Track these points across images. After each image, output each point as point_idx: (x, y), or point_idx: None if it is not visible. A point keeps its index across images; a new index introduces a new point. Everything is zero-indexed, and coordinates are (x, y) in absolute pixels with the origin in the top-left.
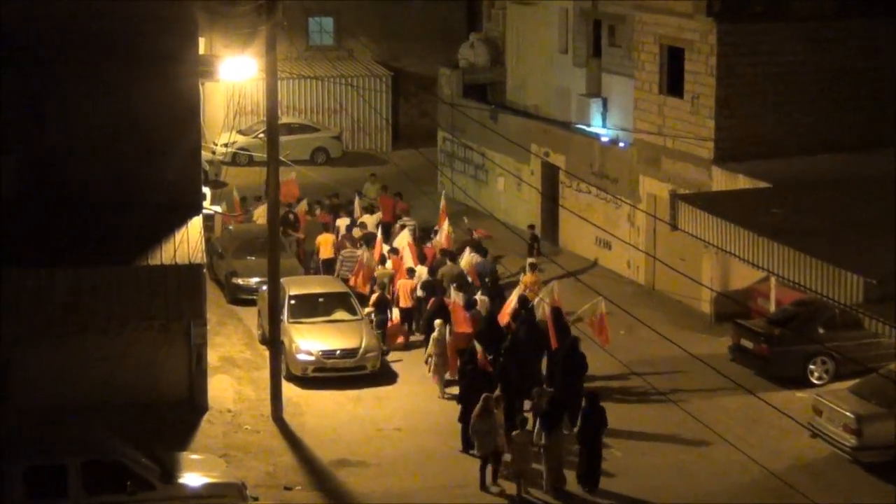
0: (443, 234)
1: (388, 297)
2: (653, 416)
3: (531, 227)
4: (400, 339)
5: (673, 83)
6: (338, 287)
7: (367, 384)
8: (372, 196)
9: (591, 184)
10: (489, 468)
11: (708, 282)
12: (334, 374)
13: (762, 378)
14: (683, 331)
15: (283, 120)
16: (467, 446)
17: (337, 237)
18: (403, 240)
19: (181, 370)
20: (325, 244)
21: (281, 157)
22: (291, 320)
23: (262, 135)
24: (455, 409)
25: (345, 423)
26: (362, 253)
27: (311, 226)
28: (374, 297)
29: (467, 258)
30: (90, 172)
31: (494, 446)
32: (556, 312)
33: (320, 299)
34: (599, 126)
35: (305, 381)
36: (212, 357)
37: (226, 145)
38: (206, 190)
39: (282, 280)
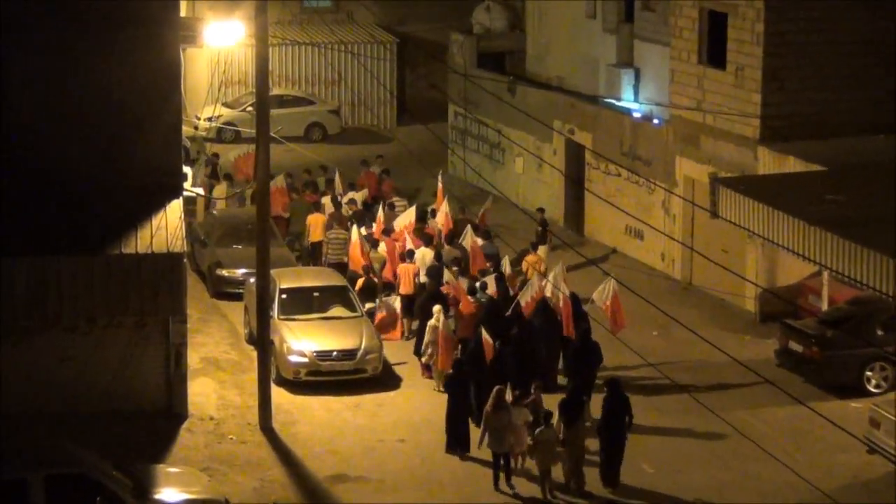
0: (441, 214)
1: (377, 281)
2: (688, 428)
3: (540, 210)
4: (395, 333)
5: (714, 52)
6: (335, 280)
7: (368, 390)
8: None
9: (621, 165)
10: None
11: (752, 277)
12: (330, 378)
13: (813, 386)
14: (724, 332)
15: (275, 91)
16: (452, 445)
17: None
18: (405, 220)
19: (158, 373)
20: (315, 225)
21: (272, 134)
22: (282, 317)
23: (250, 108)
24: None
25: (342, 433)
26: (355, 230)
27: (298, 205)
28: (359, 281)
29: (470, 240)
30: (56, 150)
31: (510, 444)
32: (574, 299)
33: (315, 294)
34: (631, 100)
35: (298, 386)
36: (192, 358)
37: (210, 119)
38: (187, 170)
39: (272, 272)
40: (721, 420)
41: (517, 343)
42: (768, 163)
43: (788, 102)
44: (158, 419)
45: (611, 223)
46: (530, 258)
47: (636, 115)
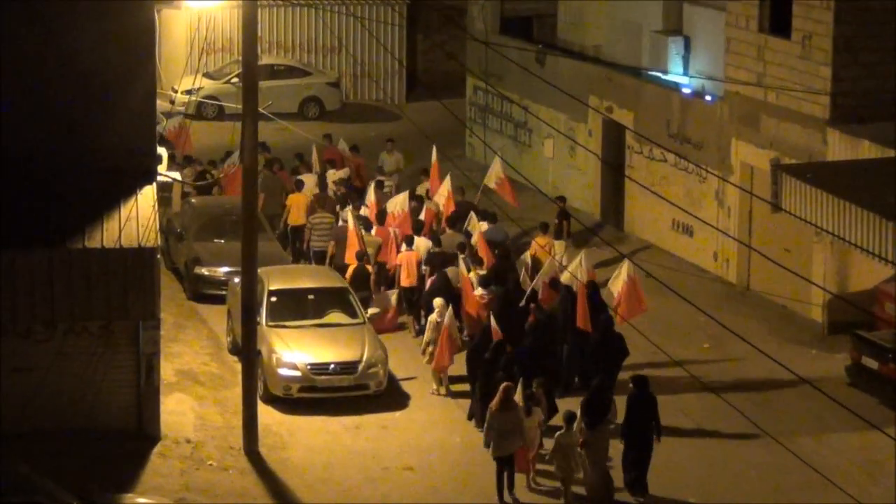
0: (442, 196)
1: (370, 270)
2: (743, 456)
3: (560, 199)
4: (388, 317)
5: (778, 19)
6: (332, 280)
7: (371, 409)
8: (390, 170)
9: (668, 149)
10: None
11: (820, 281)
12: (327, 394)
13: (890, 408)
14: (787, 344)
15: (265, 60)
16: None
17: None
18: (401, 202)
19: (126, 387)
20: (296, 207)
21: (260, 109)
22: (271, 323)
23: (235, 79)
24: (479, 437)
25: (340, 459)
26: (348, 214)
27: (270, 182)
28: (350, 269)
29: (475, 225)
30: (9, 127)
31: (516, 448)
32: (592, 287)
33: (309, 296)
34: (679, 73)
35: (289, 404)
36: (166, 370)
37: (189, 92)
38: (161, 151)
39: (259, 270)
40: (783, 448)
41: (535, 336)
42: (839, 147)
43: (863, 77)
44: (127, 441)
45: (655, 217)
46: (539, 240)
47: (686, 90)
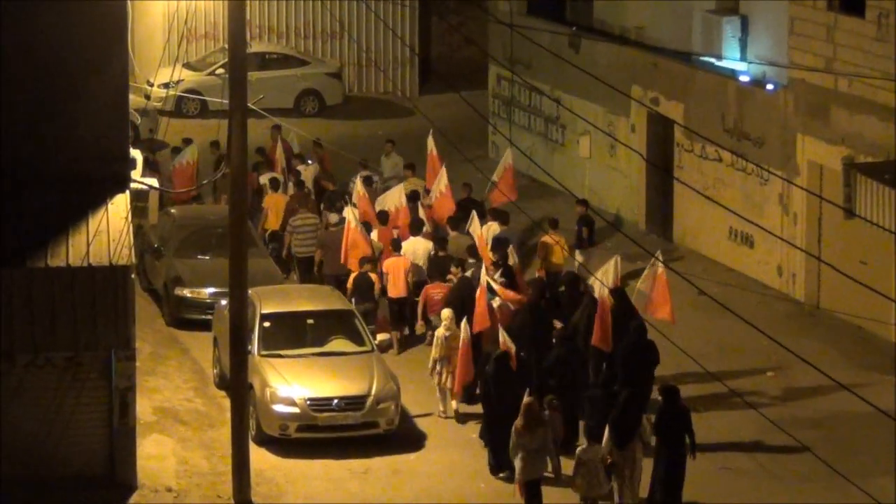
0: (439, 187)
1: (373, 278)
2: (813, 500)
3: (582, 203)
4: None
5: None
6: (335, 301)
7: (381, 451)
8: (388, 175)
9: (724, 147)
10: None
11: None
12: (330, 434)
13: None
14: (863, 371)
15: (254, 48)
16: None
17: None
18: (396, 198)
19: (97, 428)
20: (274, 209)
21: (250, 105)
22: (265, 352)
23: (221, 71)
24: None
25: None
26: (348, 212)
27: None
28: (351, 278)
29: (477, 226)
30: None
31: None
32: (620, 295)
33: (308, 320)
34: (736, 59)
35: (286, 446)
36: (143, 408)
37: (166, 86)
38: (135, 154)
39: (250, 291)
40: (859, 490)
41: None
42: None
43: None
44: (98, 490)
45: (709, 225)
46: (548, 239)
47: (743, 78)
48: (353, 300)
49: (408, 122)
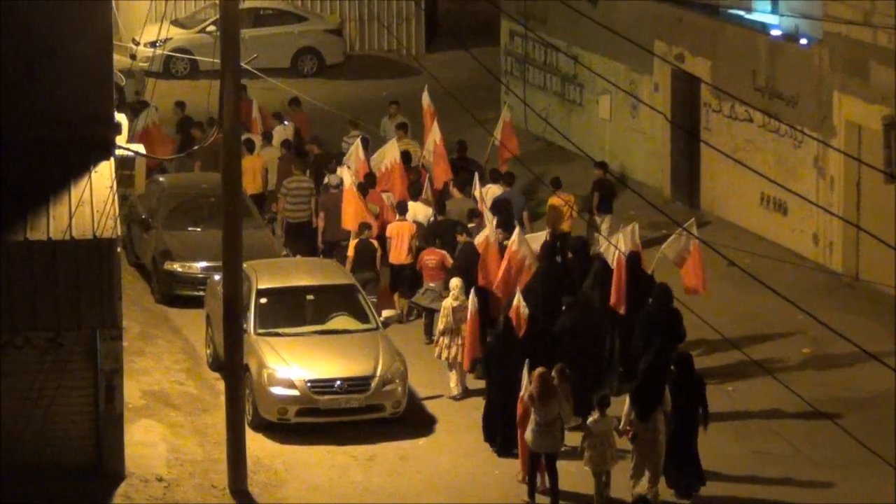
0: (433, 141)
1: (376, 245)
2: (855, 489)
3: (600, 165)
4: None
5: None
6: (336, 276)
7: (386, 436)
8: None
9: (755, 107)
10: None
11: None
12: (332, 418)
13: None
14: None
15: (248, 3)
16: (492, 440)
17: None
18: (391, 154)
19: (81, 413)
20: (251, 172)
21: (243, 65)
22: (261, 331)
23: (212, 28)
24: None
25: (350, 498)
26: (345, 173)
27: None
28: (351, 246)
29: (476, 189)
30: None
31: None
32: (634, 259)
33: (308, 296)
34: (768, 11)
35: (285, 431)
36: (131, 392)
37: (153, 44)
38: (121, 118)
39: (245, 265)
40: None
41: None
42: None
43: None
44: (83, 480)
45: (739, 191)
46: (554, 199)
47: (775, 32)
48: (353, 270)
49: (413, 82)
